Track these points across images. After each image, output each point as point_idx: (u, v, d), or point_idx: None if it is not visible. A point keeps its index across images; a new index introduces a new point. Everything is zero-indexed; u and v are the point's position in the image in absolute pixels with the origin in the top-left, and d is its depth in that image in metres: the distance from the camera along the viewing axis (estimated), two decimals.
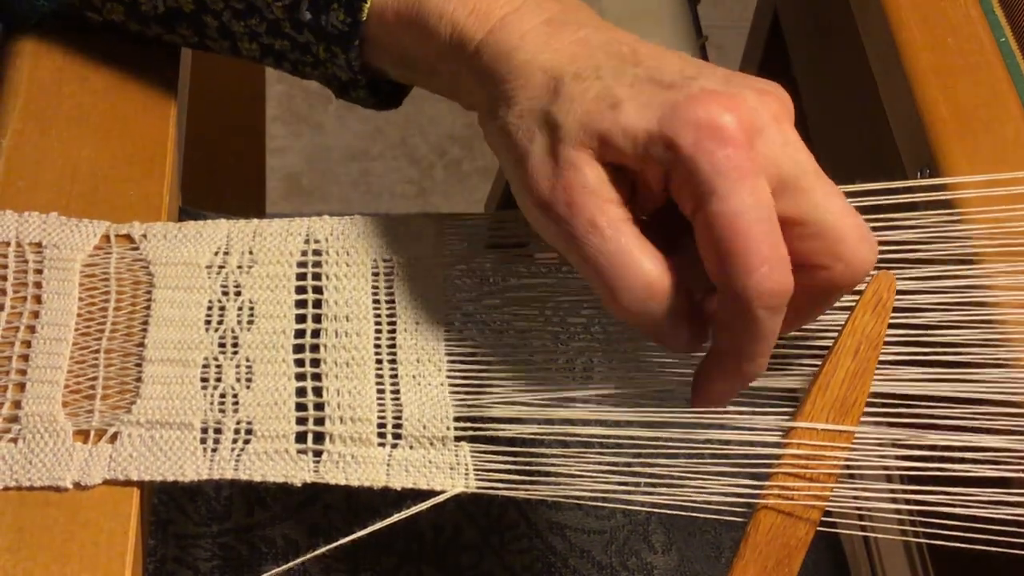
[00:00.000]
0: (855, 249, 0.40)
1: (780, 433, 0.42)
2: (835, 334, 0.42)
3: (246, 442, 0.43)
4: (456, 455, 0.43)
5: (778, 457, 0.41)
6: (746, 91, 0.40)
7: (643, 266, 0.40)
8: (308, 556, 0.42)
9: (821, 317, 0.44)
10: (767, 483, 0.41)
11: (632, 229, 0.41)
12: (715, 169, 0.38)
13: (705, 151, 0.39)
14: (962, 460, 0.41)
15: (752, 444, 0.42)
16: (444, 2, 0.44)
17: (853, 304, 0.42)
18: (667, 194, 0.41)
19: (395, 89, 0.51)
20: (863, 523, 0.46)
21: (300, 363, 0.45)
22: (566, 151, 0.41)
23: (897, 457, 0.42)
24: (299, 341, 0.45)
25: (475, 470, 0.43)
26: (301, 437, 0.43)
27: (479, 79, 0.44)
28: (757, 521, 0.40)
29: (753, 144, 0.39)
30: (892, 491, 0.42)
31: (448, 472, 0.43)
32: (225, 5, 0.48)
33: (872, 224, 0.45)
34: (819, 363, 0.42)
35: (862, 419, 0.42)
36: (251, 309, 0.46)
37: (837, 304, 0.43)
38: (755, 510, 0.41)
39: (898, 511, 0.43)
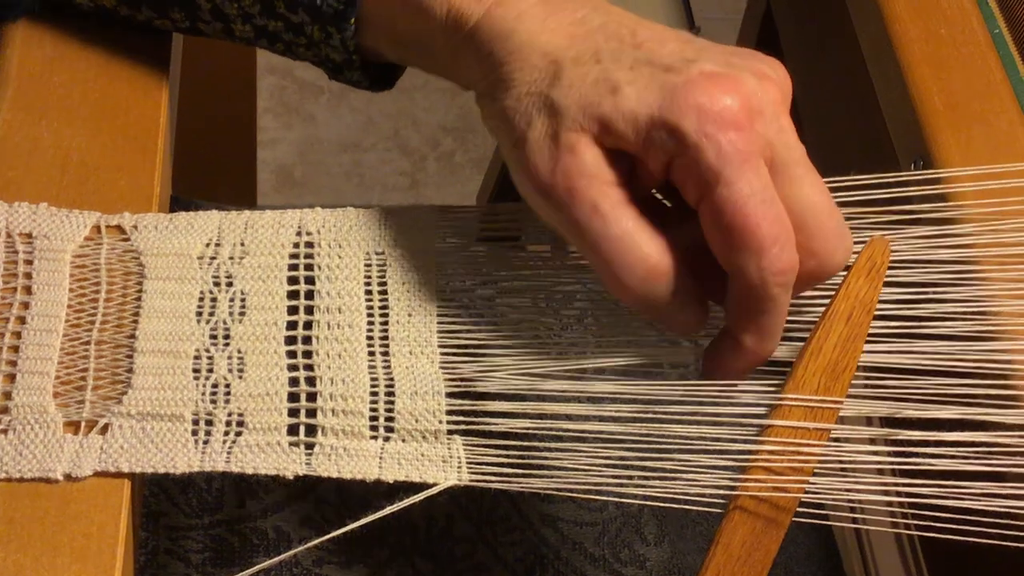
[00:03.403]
0: (832, 249, 0.41)
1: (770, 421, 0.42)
2: (828, 300, 0.42)
3: (238, 434, 0.43)
4: (449, 448, 0.43)
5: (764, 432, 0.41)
6: (745, 74, 0.40)
7: (644, 248, 0.40)
8: (300, 548, 0.42)
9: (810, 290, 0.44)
10: (755, 452, 0.41)
11: (632, 211, 0.40)
12: (720, 155, 0.39)
13: (709, 137, 0.39)
14: (953, 456, 0.41)
15: (745, 439, 0.42)
16: None
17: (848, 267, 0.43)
18: (666, 176, 0.41)
19: (387, 71, 0.51)
20: (855, 515, 0.46)
21: (292, 355, 0.44)
22: (565, 135, 0.41)
23: (889, 452, 0.42)
24: (291, 333, 0.45)
25: (468, 463, 0.43)
26: (293, 429, 0.43)
27: (477, 58, 0.44)
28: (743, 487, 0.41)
29: (753, 125, 0.39)
30: (884, 484, 0.42)
31: (441, 465, 0.43)
32: None
33: (865, 215, 0.45)
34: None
35: (856, 416, 0.42)
36: (243, 300, 0.45)
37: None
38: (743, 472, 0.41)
39: (890, 503, 0.43)
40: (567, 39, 0.42)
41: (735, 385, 0.42)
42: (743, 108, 0.39)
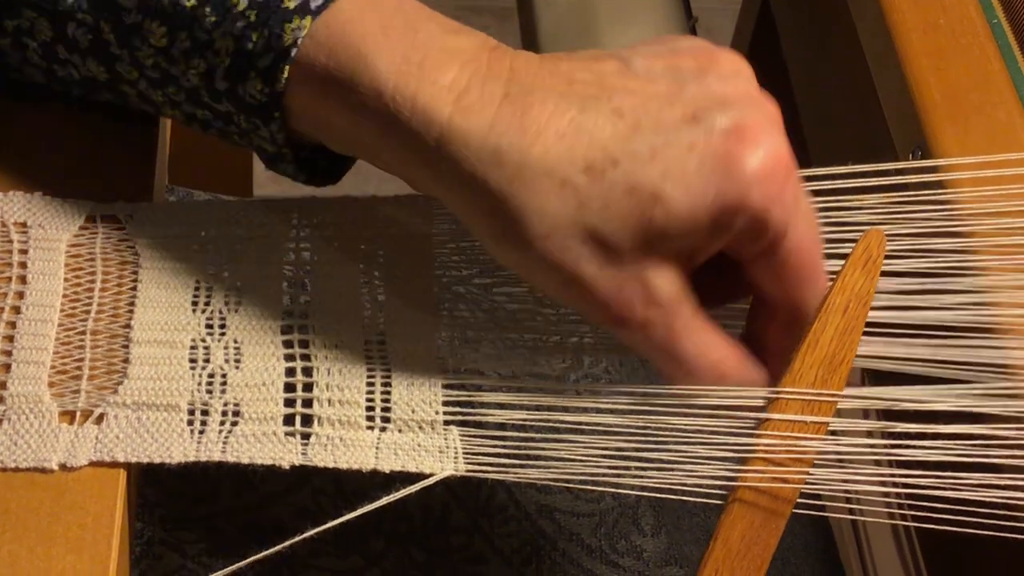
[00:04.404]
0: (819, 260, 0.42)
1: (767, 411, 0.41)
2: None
3: (234, 424, 0.43)
4: (445, 438, 0.43)
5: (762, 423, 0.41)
6: (750, 110, 0.39)
7: (715, 355, 0.41)
8: (296, 539, 0.42)
9: None
10: (754, 444, 0.41)
11: (701, 320, 0.40)
12: (785, 209, 0.38)
13: (773, 198, 0.38)
14: (951, 447, 0.41)
15: (741, 431, 0.42)
16: (384, 77, 0.39)
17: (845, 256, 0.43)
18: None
19: (332, 164, 0.47)
20: (851, 506, 0.47)
21: (288, 345, 0.44)
22: (630, 266, 0.39)
23: (885, 444, 0.42)
24: (287, 323, 0.45)
25: (464, 453, 0.43)
26: (289, 420, 0.43)
27: (462, 194, 0.40)
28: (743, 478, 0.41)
29: (791, 165, 0.39)
30: (881, 475, 0.42)
31: (437, 455, 0.43)
32: (140, 75, 0.44)
33: (862, 206, 0.45)
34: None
35: (853, 410, 0.42)
36: (239, 290, 0.45)
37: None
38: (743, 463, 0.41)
39: (886, 494, 0.43)
40: (558, 141, 0.38)
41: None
42: (783, 154, 0.39)
